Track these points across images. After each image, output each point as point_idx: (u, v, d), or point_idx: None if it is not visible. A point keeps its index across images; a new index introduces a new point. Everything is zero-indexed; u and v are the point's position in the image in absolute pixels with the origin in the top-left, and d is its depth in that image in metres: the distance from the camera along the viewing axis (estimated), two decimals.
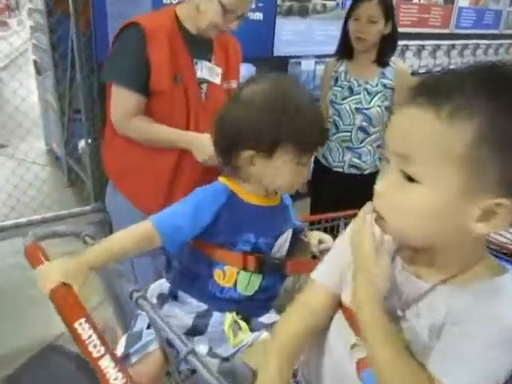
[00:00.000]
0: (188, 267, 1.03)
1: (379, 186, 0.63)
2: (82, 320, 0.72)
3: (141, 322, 1.01)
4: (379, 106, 1.92)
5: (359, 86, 1.93)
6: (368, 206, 0.67)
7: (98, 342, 0.68)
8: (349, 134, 1.98)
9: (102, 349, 0.66)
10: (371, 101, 1.92)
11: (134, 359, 0.94)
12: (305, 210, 2.13)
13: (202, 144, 1.36)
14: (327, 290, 0.79)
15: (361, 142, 1.99)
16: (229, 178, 1.01)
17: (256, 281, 1.01)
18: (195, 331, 0.98)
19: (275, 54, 2.86)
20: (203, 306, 1.01)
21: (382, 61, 1.92)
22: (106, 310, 1.24)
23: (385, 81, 1.92)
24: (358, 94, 1.93)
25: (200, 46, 1.49)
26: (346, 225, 1.58)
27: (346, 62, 1.98)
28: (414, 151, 0.57)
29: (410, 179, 0.58)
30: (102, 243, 0.93)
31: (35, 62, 3.85)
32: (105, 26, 2.14)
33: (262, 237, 0.99)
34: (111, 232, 1.69)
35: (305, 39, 2.96)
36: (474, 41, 4.03)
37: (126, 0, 2.12)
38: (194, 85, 1.48)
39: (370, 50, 1.91)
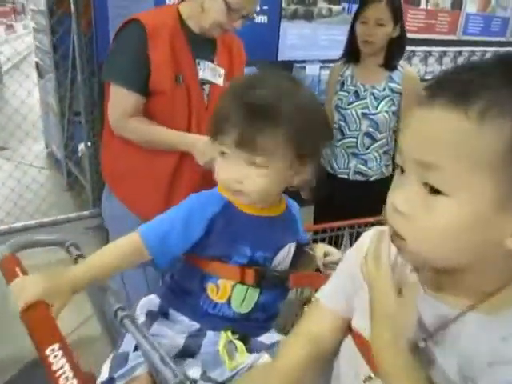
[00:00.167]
0: (179, 283, 0.95)
1: (399, 202, 0.53)
2: (56, 346, 0.62)
3: (127, 343, 0.91)
4: (386, 111, 1.87)
5: (366, 90, 1.88)
6: (380, 231, 0.59)
7: (70, 375, 0.58)
8: (355, 139, 1.92)
9: (75, 382, 0.57)
10: (378, 106, 1.87)
11: None
12: (308, 217, 2.08)
13: (204, 146, 1.31)
14: (334, 313, 0.72)
15: (367, 148, 1.93)
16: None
17: (253, 296, 0.93)
18: (187, 352, 0.89)
19: (280, 59, 2.82)
20: (196, 325, 0.92)
21: (389, 64, 1.87)
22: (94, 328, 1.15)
23: (392, 85, 1.87)
24: (365, 98, 1.88)
25: (203, 45, 1.45)
26: (350, 234, 1.53)
27: (353, 66, 1.94)
28: (439, 158, 0.49)
29: (435, 191, 0.50)
30: (88, 259, 0.85)
31: (37, 64, 3.84)
32: (106, 27, 2.12)
33: (259, 250, 0.91)
34: (108, 238, 1.64)
35: (310, 43, 2.92)
36: (482, 48, 3.98)
37: (127, 0, 2.09)
38: (196, 86, 1.43)
39: (378, 54, 1.86)
